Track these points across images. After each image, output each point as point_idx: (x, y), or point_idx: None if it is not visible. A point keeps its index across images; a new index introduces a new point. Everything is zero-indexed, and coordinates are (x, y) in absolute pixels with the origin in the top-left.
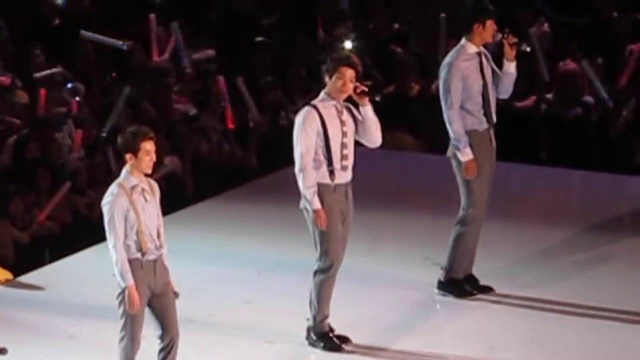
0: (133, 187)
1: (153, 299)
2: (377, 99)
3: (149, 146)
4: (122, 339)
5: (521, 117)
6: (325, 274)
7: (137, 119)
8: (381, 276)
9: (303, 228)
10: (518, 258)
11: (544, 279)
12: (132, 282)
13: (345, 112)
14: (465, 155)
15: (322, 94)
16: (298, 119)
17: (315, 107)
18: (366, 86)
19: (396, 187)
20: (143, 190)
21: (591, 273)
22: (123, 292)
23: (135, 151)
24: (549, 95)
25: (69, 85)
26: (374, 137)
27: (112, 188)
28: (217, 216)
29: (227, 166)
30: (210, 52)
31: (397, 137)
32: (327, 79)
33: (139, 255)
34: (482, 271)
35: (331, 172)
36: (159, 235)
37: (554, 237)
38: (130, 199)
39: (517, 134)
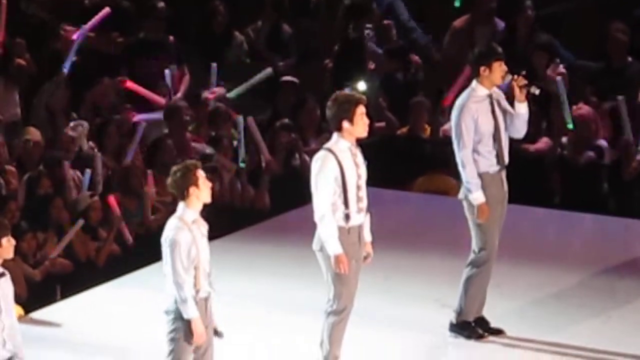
0: (193, 222)
1: None
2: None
3: (203, 173)
4: None
5: (534, 161)
6: (338, 316)
7: (155, 158)
8: (392, 317)
9: (315, 268)
10: (530, 300)
11: (556, 321)
12: (198, 315)
13: (358, 154)
14: (477, 198)
15: (335, 137)
16: (316, 165)
17: (331, 151)
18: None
19: (406, 228)
20: (201, 224)
21: (605, 317)
22: (177, 328)
23: (197, 183)
24: (563, 139)
25: (73, 123)
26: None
27: (174, 222)
28: (228, 255)
29: (239, 206)
30: (222, 91)
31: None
32: (346, 123)
33: (193, 292)
34: (493, 313)
35: (347, 216)
36: (210, 272)
37: (567, 280)
38: (192, 234)
39: (531, 177)
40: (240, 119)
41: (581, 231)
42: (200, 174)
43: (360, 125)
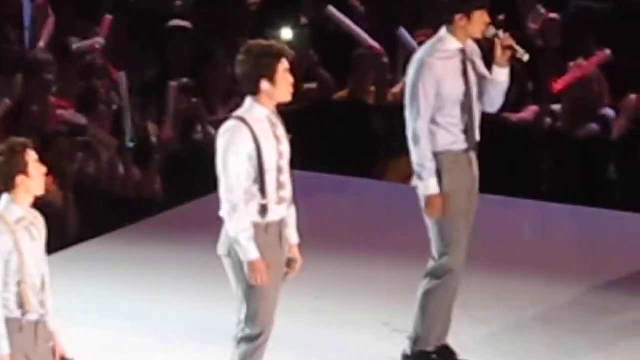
0: (18, 221)
1: None
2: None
3: (34, 156)
4: None
5: (516, 135)
6: (252, 343)
7: (12, 131)
8: (326, 345)
9: (219, 278)
10: (509, 324)
11: (544, 351)
12: (7, 352)
13: (279, 124)
14: (429, 187)
15: (249, 102)
16: (224, 138)
17: (244, 120)
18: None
19: (346, 226)
20: (30, 223)
21: (610, 347)
22: None
23: (25, 169)
24: (556, 107)
25: None
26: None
27: None
28: (105, 260)
29: (122, 194)
30: (98, 40)
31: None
32: (265, 84)
33: (18, 313)
34: (461, 341)
35: (263, 208)
36: (43, 287)
37: (559, 297)
38: (15, 237)
39: (511, 158)
40: (122, 75)
41: (578, 231)
42: (31, 156)
43: (283, 85)
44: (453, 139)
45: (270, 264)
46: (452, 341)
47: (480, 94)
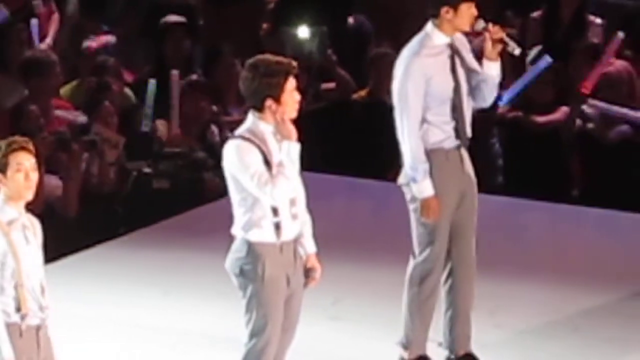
0: (11, 222)
1: None
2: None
3: (20, 158)
4: None
5: (545, 138)
6: (257, 357)
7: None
8: (344, 356)
9: (230, 289)
10: (536, 331)
11: None
12: (12, 356)
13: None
14: (423, 189)
15: (251, 119)
16: (231, 159)
17: (248, 139)
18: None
19: (366, 229)
20: (24, 226)
21: (637, 354)
22: None
23: (3, 169)
24: (586, 107)
25: None
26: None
27: None
28: (110, 267)
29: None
30: (109, 38)
31: None
32: (271, 103)
33: (17, 318)
34: (487, 349)
35: (277, 226)
36: (42, 291)
37: (586, 304)
38: (9, 239)
39: (539, 161)
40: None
41: (608, 235)
42: (15, 158)
43: (290, 104)
44: (444, 136)
45: (282, 283)
46: (477, 349)
47: (471, 89)
